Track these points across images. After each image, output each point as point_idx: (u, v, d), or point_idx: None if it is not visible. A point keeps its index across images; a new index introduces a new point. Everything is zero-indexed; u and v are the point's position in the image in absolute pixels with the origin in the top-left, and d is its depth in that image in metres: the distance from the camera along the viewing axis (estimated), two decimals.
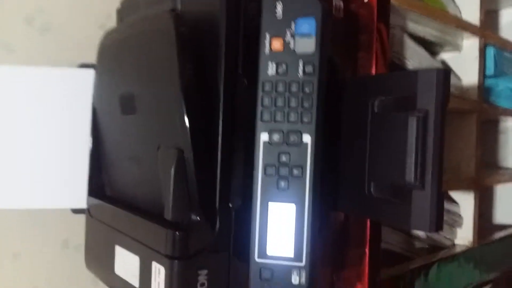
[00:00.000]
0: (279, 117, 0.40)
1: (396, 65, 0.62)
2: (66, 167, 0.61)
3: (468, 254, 0.71)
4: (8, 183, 0.59)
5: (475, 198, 0.75)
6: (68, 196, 0.61)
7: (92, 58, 0.60)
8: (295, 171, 0.40)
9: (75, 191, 0.60)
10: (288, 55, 0.40)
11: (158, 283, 0.41)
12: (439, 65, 0.74)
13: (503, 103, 0.84)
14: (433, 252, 0.69)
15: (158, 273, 0.41)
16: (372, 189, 0.43)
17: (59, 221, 0.70)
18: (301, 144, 0.40)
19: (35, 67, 0.61)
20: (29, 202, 0.60)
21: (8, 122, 0.59)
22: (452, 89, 0.74)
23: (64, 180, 0.61)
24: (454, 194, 0.77)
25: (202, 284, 0.40)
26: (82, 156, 0.60)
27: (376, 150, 0.43)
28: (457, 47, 0.77)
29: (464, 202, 0.76)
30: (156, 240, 0.42)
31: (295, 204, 0.40)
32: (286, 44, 0.40)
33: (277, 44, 0.40)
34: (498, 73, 0.82)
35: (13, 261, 0.67)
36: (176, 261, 0.39)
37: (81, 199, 0.60)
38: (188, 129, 0.40)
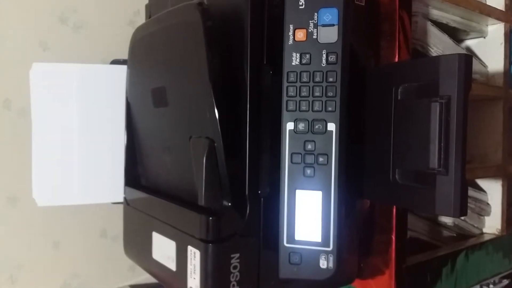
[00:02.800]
0: (304, 106, 0.41)
1: (419, 53, 0.61)
2: (104, 163, 0.63)
3: (497, 242, 0.70)
4: (50, 180, 0.61)
5: (502, 186, 0.74)
6: (108, 191, 0.63)
7: (122, 53, 0.62)
8: (321, 159, 0.40)
9: (114, 185, 0.62)
10: (311, 45, 0.40)
11: (194, 265, 0.42)
12: (464, 52, 0.73)
13: None
14: (460, 240, 0.69)
15: (194, 256, 0.42)
16: (397, 176, 0.43)
17: (98, 211, 0.72)
18: (325, 132, 0.40)
19: (71, 64, 0.63)
20: (71, 199, 0.62)
21: (46, 118, 0.61)
22: (477, 76, 0.73)
23: (103, 176, 0.63)
24: (482, 182, 0.76)
25: (235, 267, 0.41)
26: (119, 152, 0.61)
27: (400, 137, 0.43)
28: (482, 33, 0.75)
29: (492, 191, 0.74)
30: (191, 226, 0.43)
31: (322, 191, 0.40)
32: (309, 35, 0.40)
33: (300, 35, 0.41)
34: None
35: (54, 249, 0.69)
36: (210, 244, 0.41)
37: (119, 193, 0.61)
38: (218, 120, 0.41)
